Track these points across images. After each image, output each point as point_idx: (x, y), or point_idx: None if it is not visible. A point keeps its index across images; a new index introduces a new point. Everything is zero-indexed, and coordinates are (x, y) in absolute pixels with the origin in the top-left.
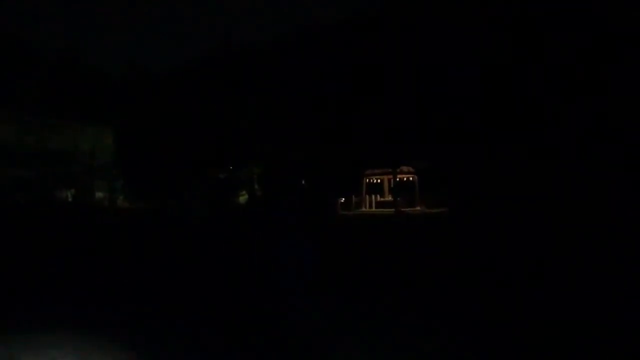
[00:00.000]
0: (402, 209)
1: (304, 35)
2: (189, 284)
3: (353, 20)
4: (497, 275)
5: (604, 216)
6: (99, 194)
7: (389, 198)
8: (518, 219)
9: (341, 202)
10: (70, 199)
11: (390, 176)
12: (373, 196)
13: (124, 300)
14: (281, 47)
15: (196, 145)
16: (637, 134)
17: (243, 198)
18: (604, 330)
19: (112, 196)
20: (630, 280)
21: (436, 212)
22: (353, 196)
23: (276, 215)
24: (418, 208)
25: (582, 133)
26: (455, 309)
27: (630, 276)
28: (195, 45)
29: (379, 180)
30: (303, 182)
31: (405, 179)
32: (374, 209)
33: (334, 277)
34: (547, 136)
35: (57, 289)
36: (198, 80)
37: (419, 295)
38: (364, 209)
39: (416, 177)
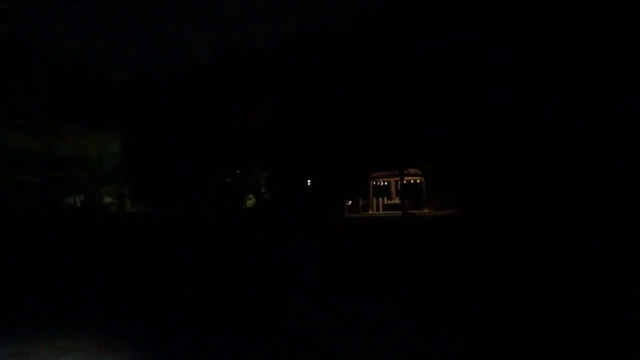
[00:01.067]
0: (410, 211)
1: (308, 36)
2: (195, 285)
3: (356, 21)
4: (507, 277)
5: (618, 216)
6: (107, 199)
7: (396, 200)
8: (531, 219)
9: (348, 205)
10: (78, 204)
11: (397, 178)
12: (380, 199)
13: (130, 300)
14: (286, 49)
15: (203, 149)
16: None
17: (250, 202)
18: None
19: (120, 201)
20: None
21: (444, 214)
22: (360, 199)
23: (282, 219)
24: (426, 210)
25: (591, 132)
26: (460, 310)
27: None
28: (201, 49)
29: (385, 183)
30: (309, 185)
31: (412, 181)
32: (381, 212)
33: (340, 278)
34: (557, 135)
35: (64, 289)
36: (204, 84)
37: (426, 296)
38: (371, 212)
39: (423, 179)
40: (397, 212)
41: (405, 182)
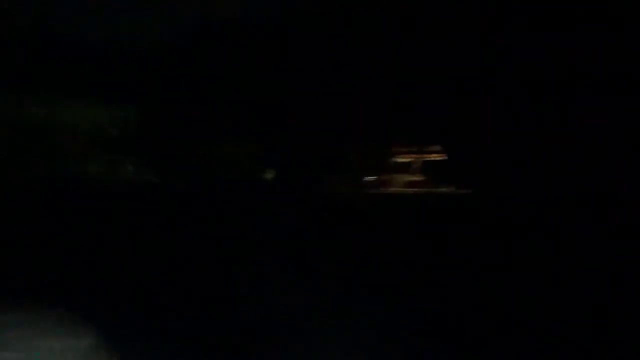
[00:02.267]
0: (428, 190)
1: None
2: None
3: None
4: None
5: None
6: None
7: (415, 178)
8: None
9: (367, 181)
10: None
11: (417, 155)
12: (397, 176)
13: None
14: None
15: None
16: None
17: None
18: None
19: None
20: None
21: (466, 193)
22: (377, 176)
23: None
24: (446, 189)
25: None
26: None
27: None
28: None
29: (403, 160)
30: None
31: (432, 158)
32: (398, 189)
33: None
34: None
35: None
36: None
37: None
38: (387, 189)
39: (444, 156)
40: (415, 190)
41: (424, 159)
